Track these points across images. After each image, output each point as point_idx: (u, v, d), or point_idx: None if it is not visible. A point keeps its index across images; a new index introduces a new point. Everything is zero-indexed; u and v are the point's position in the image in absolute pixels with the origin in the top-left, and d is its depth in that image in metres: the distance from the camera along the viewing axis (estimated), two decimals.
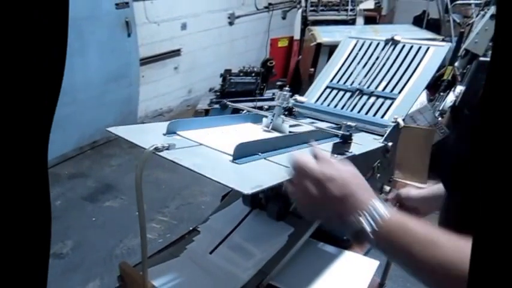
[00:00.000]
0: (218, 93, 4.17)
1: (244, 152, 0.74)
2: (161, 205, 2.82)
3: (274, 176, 0.67)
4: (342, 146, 0.89)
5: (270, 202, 1.08)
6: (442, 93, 2.62)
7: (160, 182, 2.99)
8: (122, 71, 3.44)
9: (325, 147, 0.88)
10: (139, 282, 0.87)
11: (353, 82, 1.32)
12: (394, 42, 1.20)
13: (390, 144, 1.21)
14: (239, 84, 4.19)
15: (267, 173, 0.70)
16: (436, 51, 1.13)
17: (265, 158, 0.79)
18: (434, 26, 4.23)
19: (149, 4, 3.62)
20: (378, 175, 1.21)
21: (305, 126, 1.05)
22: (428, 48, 1.15)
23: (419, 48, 1.16)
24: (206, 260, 1.02)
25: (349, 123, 1.20)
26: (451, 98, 2.59)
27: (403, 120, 1.22)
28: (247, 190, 0.57)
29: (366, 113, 1.29)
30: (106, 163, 3.35)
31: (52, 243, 2.05)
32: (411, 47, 1.18)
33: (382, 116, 1.26)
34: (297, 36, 4.13)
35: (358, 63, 1.30)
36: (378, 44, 1.25)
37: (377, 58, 1.25)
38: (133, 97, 3.73)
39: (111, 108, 3.54)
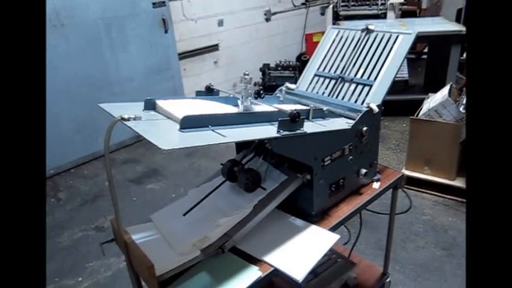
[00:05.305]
0: (261, 87, 4.29)
1: (190, 123, 0.87)
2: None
3: (201, 141, 0.80)
4: (288, 124, 0.98)
5: (240, 175, 1.20)
6: None
7: (201, 169, 3.20)
8: (163, 64, 3.74)
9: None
10: (120, 234, 1.05)
11: (336, 70, 1.39)
12: (368, 31, 1.26)
13: (365, 128, 1.27)
14: (278, 78, 4.32)
15: (199, 139, 0.83)
16: (404, 39, 1.17)
17: (213, 130, 0.91)
18: None
19: (186, 3, 3.87)
20: (350, 157, 1.27)
21: (270, 107, 1.15)
22: (397, 37, 1.19)
23: (390, 36, 1.20)
24: (180, 221, 1.17)
25: (321, 106, 1.29)
26: None
27: (380, 105, 1.26)
28: (164, 147, 0.71)
29: (349, 99, 1.35)
30: (158, 151, 3.57)
31: (96, 218, 2.39)
32: (383, 35, 1.22)
33: (362, 102, 1.31)
34: None
35: (340, 51, 1.36)
36: (356, 33, 1.30)
37: (355, 46, 1.31)
38: (178, 89, 4.00)
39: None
